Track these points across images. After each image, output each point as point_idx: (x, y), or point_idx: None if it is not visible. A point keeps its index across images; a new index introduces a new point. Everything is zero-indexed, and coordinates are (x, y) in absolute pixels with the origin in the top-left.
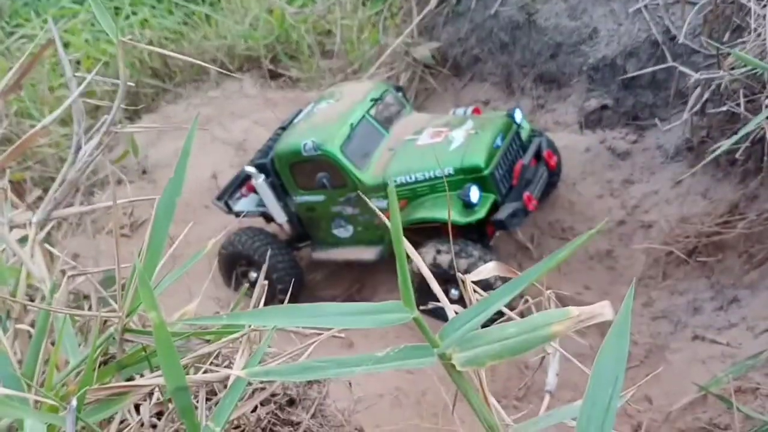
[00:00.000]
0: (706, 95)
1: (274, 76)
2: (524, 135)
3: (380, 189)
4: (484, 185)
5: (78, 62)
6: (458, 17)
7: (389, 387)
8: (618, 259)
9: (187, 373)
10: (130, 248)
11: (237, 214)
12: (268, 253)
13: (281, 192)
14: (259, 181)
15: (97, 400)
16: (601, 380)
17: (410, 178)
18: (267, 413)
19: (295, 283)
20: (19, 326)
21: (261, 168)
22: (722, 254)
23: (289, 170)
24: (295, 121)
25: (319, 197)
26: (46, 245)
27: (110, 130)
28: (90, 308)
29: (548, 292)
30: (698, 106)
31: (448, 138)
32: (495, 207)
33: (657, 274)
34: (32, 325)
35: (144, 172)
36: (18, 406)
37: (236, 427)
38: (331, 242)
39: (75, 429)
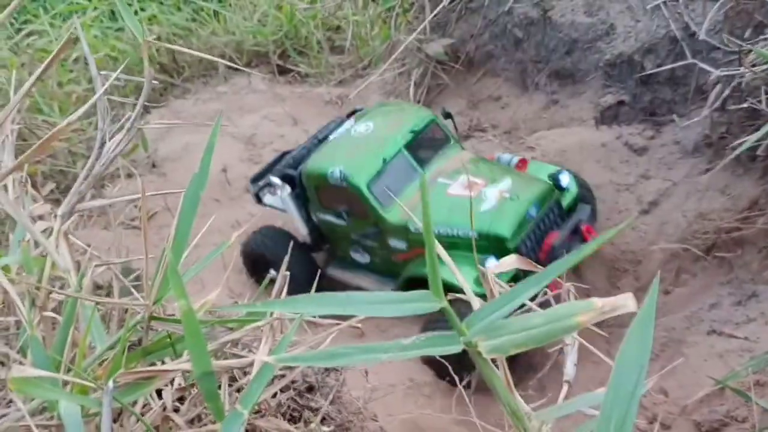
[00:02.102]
0: (726, 92)
1: (282, 71)
2: (568, 201)
3: (402, 231)
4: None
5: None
6: (471, 13)
7: (402, 377)
8: (635, 254)
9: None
10: (142, 240)
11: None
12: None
13: (306, 205)
14: (285, 194)
15: (124, 385)
16: (625, 369)
17: (434, 229)
18: (287, 399)
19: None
20: (45, 314)
21: (288, 178)
22: (741, 250)
23: (314, 190)
24: (331, 137)
25: (341, 221)
26: (71, 237)
27: (134, 126)
28: (110, 297)
29: (568, 284)
30: (718, 103)
31: (481, 195)
32: (515, 280)
33: (673, 269)
34: (55, 313)
35: (153, 165)
36: (52, 388)
37: (257, 412)
38: (349, 262)
39: (111, 410)
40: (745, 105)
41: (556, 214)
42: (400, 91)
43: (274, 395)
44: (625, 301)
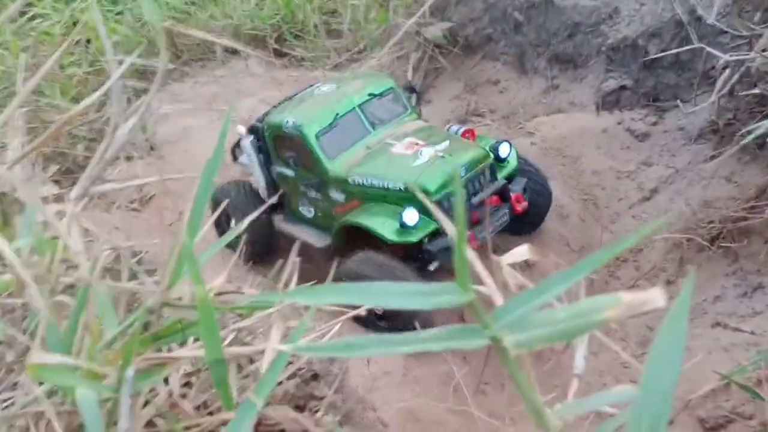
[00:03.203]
0: (735, 77)
1: (279, 55)
2: (505, 172)
3: (342, 182)
4: (427, 211)
5: (88, 41)
6: None
7: (398, 366)
8: (628, 251)
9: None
10: (141, 222)
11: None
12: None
13: (266, 157)
14: (247, 141)
15: (137, 371)
16: (659, 368)
17: (367, 181)
18: (293, 387)
19: (267, 247)
20: (57, 298)
21: (254, 130)
22: (747, 240)
23: (272, 140)
24: (296, 96)
25: (291, 172)
26: (84, 220)
27: (148, 110)
28: (118, 281)
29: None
30: (727, 88)
31: (418, 153)
32: (438, 235)
33: (677, 259)
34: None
35: (152, 148)
36: (68, 374)
37: None
38: (298, 217)
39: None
40: (755, 91)
41: (487, 178)
42: (398, 75)
43: (280, 383)
44: (653, 296)
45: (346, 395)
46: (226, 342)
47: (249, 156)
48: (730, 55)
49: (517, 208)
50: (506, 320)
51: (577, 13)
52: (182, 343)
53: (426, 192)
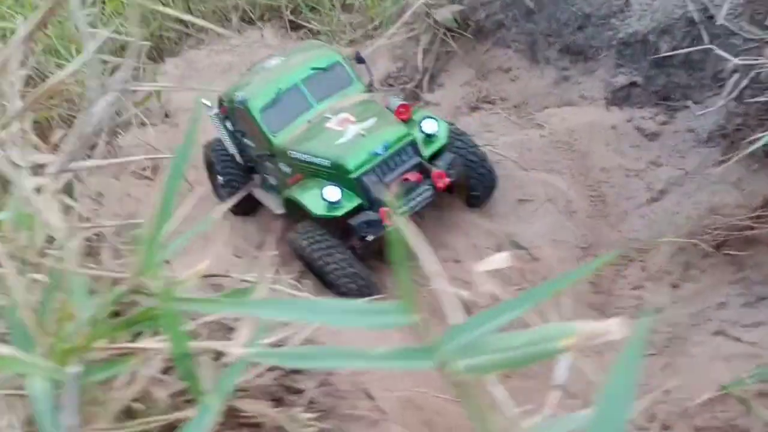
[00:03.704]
0: (744, 82)
1: (294, 27)
2: (432, 148)
3: (286, 156)
4: (351, 187)
5: (104, 1)
6: None
7: None
8: (643, 243)
9: (197, 337)
10: (151, 191)
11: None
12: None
13: (232, 127)
14: (211, 113)
15: (103, 359)
16: (610, 407)
17: (302, 156)
18: (272, 379)
19: (250, 206)
20: (34, 276)
21: (221, 103)
22: (753, 249)
23: (232, 112)
24: (254, 67)
25: (250, 143)
26: (65, 195)
27: (126, 88)
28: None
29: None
30: (735, 93)
31: (345, 130)
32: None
33: (682, 262)
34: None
35: (166, 115)
36: (23, 361)
37: (242, 390)
38: (267, 185)
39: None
40: (763, 99)
41: (409, 155)
42: (409, 56)
43: (261, 374)
44: (612, 328)
45: (332, 387)
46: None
47: (216, 127)
48: (740, 59)
49: (439, 184)
50: (458, 343)
51: (588, 4)
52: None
53: (345, 170)
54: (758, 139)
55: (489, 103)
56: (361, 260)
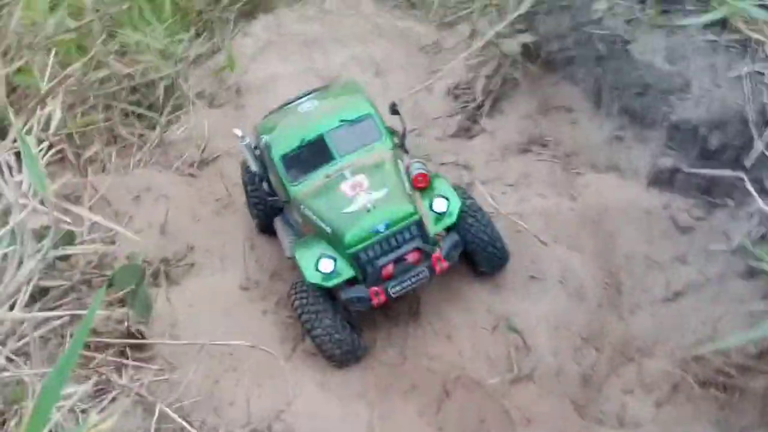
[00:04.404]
0: None
1: None
2: (441, 226)
3: (298, 207)
4: (348, 259)
5: None
6: (562, 10)
7: None
8: (643, 344)
9: None
10: (194, 188)
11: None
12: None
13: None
14: (242, 143)
15: None
16: None
17: (310, 215)
18: None
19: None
20: None
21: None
22: (740, 396)
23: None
24: (287, 106)
25: (273, 183)
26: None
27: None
28: None
29: None
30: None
31: (353, 198)
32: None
33: (672, 382)
34: None
35: (238, 91)
36: None
37: None
38: (287, 221)
39: None
40: None
41: (412, 234)
42: (470, 80)
43: None
44: None
45: None
46: None
47: (246, 154)
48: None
49: (437, 268)
50: None
51: (650, 74)
52: None
53: (343, 244)
54: None
55: (542, 145)
56: (353, 317)
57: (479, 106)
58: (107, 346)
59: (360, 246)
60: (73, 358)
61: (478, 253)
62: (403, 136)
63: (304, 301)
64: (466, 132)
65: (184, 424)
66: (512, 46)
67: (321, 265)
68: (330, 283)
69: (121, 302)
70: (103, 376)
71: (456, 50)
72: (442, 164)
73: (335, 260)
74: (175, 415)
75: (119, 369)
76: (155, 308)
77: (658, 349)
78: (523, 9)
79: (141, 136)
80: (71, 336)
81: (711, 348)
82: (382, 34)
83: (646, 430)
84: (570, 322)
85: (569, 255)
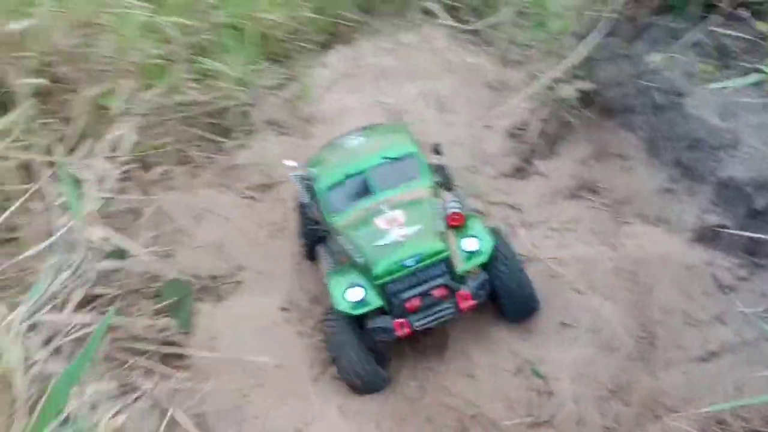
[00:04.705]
0: None
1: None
2: (470, 264)
3: (336, 238)
4: (376, 289)
5: None
6: (623, 58)
7: None
8: (673, 402)
9: None
10: (254, 211)
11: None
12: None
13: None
14: (292, 174)
15: None
16: None
17: (346, 245)
18: None
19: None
20: None
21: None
22: None
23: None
24: (335, 141)
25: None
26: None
27: None
28: None
29: None
30: None
31: (387, 231)
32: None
33: None
34: None
35: (308, 120)
36: None
37: None
38: (329, 249)
39: None
40: None
41: (440, 271)
42: (526, 121)
43: None
44: None
45: None
46: None
47: (297, 185)
48: None
49: (462, 305)
50: None
51: (702, 128)
52: None
53: (373, 275)
54: None
55: (592, 191)
56: (381, 347)
57: (534, 149)
58: (144, 352)
59: (388, 278)
60: (88, 356)
61: (505, 299)
62: (445, 175)
63: (332, 329)
64: (519, 172)
65: (195, 430)
66: (569, 91)
67: (349, 293)
68: (357, 312)
69: (167, 313)
70: (131, 379)
71: (519, 89)
72: (492, 203)
73: (365, 290)
74: (188, 420)
75: (150, 374)
76: (199, 321)
77: (686, 408)
78: (580, 56)
79: (209, 158)
80: (110, 340)
81: (730, 406)
82: (452, 69)
83: None
84: (598, 372)
85: (604, 304)
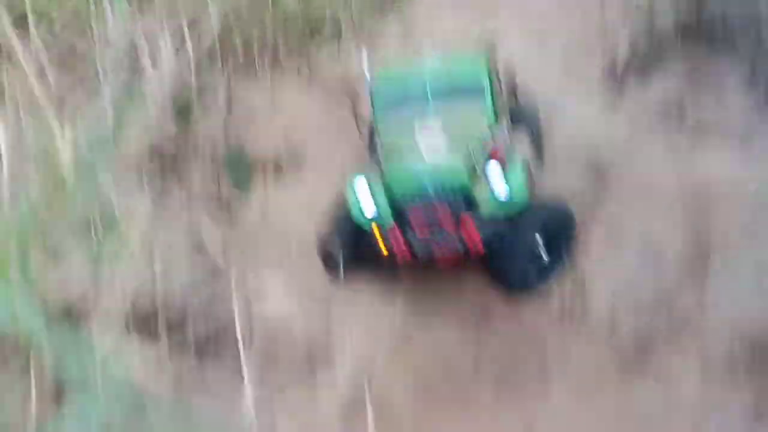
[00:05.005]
0: None
1: None
2: (499, 210)
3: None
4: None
5: None
6: None
7: None
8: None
9: None
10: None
11: None
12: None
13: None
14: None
15: None
16: None
17: (381, 150)
18: None
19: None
20: None
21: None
22: None
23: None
24: (411, 60)
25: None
26: None
27: None
28: None
29: None
30: None
31: (424, 154)
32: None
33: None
34: None
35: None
36: None
37: None
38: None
39: None
40: None
41: (460, 202)
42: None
43: None
44: None
45: None
46: None
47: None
48: None
49: (470, 245)
50: None
51: None
52: None
53: (393, 191)
54: None
55: (680, 112)
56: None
57: (626, 69)
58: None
59: (409, 196)
60: None
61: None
62: (519, 111)
63: (338, 218)
64: (611, 91)
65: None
66: (668, 14)
67: (365, 206)
68: (366, 225)
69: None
70: None
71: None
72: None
73: (379, 207)
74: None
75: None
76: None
77: (727, 326)
78: None
79: (295, 54)
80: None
81: None
82: None
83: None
84: (641, 283)
85: (660, 221)
